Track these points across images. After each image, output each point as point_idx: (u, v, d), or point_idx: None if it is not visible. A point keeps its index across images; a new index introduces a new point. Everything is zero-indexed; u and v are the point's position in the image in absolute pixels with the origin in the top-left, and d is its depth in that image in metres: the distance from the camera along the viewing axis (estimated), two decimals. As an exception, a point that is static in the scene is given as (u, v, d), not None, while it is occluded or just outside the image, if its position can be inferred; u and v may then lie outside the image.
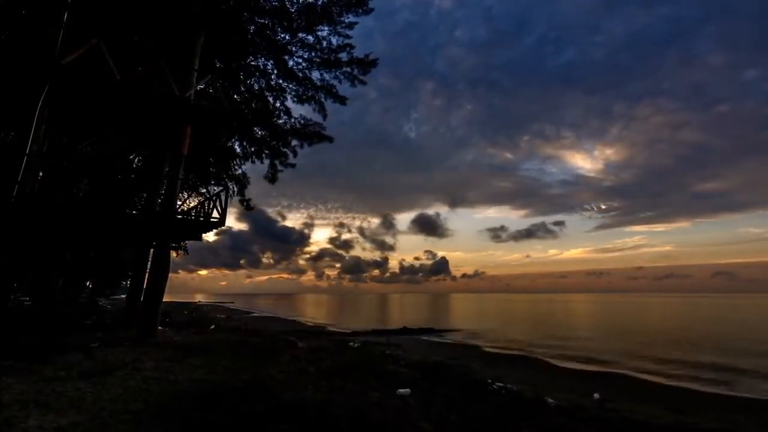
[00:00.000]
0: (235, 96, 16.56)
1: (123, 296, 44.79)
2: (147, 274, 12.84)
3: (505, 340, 22.65)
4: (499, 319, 41.23)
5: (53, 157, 10.96)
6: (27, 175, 8.73)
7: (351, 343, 15.55)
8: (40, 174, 9.84)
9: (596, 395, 9.26)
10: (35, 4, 10.35)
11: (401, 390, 7.05)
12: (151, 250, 12.90)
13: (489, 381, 9.34)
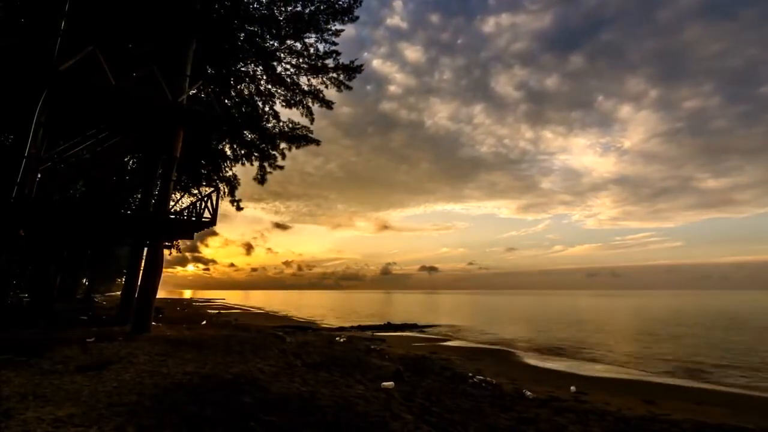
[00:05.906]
0: (226, 101, 16.83)
1: (118, 293, 44.95)
2: (141, 271, 13.14)
3: (485, 335, 22.95)
4: (482, 316, 41.51)
5: (51, 159, 11.22)
6: (26, 177, 8.99)
7: (337, 338, 15.65)
8: (38, 175, 10.09)
9: (573, 388, 9.53)
10: (34, 13, 10.59)
11: (385, 383, 7.23)
12: (145, 248, 13.18)
13: (470, 375, 9.57)
